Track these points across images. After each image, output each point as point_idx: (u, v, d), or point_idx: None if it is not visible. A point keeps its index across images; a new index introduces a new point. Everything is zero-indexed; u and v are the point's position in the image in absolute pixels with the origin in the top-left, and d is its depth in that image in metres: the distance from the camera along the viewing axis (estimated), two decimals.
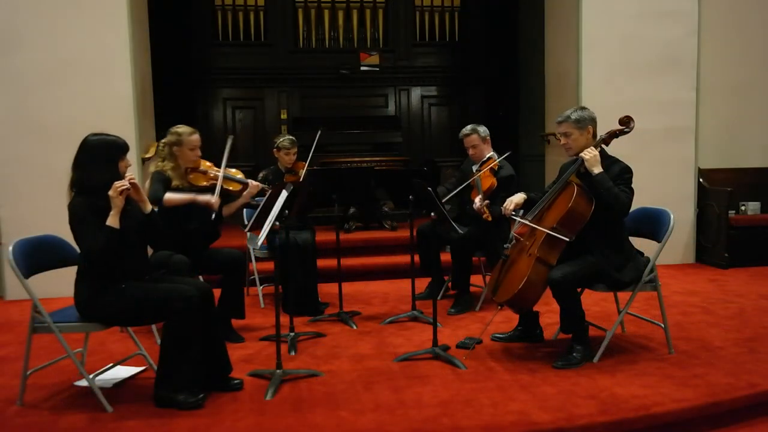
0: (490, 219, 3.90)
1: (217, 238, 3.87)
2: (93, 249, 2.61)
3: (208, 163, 3.76)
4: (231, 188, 3.72)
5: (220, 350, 2.90)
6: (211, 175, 3.68)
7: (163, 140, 3.72)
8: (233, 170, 3.82)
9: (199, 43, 8.39)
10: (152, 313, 2.77)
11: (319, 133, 4.71)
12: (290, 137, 4.59)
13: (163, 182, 3.61)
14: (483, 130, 4.36)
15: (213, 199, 3.55)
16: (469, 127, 4.40)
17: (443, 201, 4.10)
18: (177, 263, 3.39)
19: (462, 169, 4.65)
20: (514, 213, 3.28)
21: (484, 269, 4.83)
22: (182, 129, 3.67)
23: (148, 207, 2.85)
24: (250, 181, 3.79)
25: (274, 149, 4.59)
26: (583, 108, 3.28)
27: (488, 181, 4.15)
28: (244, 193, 3.76)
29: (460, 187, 4.31)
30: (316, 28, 8.66)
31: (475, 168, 4.39)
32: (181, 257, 3.46)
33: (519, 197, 3.32)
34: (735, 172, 6.02)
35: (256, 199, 4.07)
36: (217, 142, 8.40)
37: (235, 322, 3.83)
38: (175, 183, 3.63)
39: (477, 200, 4.02)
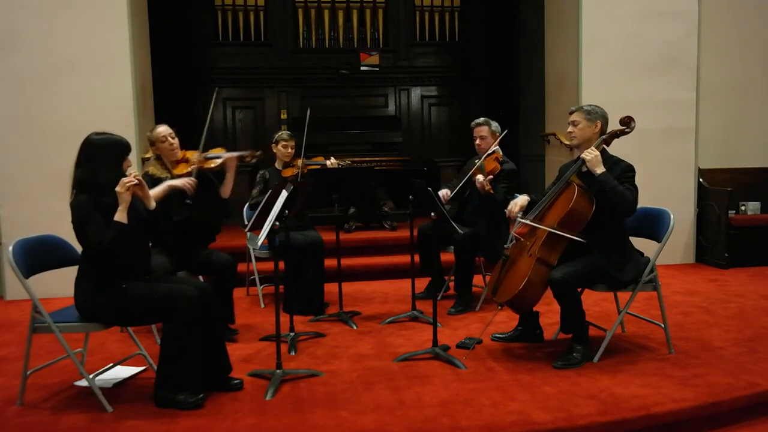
0: (492, 192, 3.99)
1: (212, 241, 3.85)
2: (102, 245, 2.60)
3: (189, 152, 3.74)
4: (212, 166, 3.67)
5: (220, 350, 2.90)
6: (191, 160, 3.67)
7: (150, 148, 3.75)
8: (214, 149, 3.78)
9: (199, 43, 8.39)
10: (153, 314, 2.77)
11: (308, 112, 4.70)
12: (288, 131, 4.67)
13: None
14: (496, 125, 4.40)
15: (183, 181, 3.46)
16: (482, 118, 4.45)
17: (454, 192, 4.25)
18: (155, 266, 3.32)
19: (463, 170, 4.62)
20: (519, 216, 3.27)
21: (484, 269, 4.83)
22: (150, 130, 3.71)
23: (152, 204, 2.85)
24: (227, 154, 3.70)
25: (272, 144, 4.63)
26: (598, 106, 3.29)
27: (491, 165, 4.21)
28: (226, 167, 3.69)
29: (466, 178, 4.30)
30: (316, 28, 8.66)
31: (477, 161, 4.38)
32: (157, 259, 3.38)
33: (523, 200, 3.33)
34: (735, 172, 6.03)
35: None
36: (217, 142, 8.44)
37: (235, 322, 3.84)
38: (162, 175, 3.60)
39: (480, 177, 4.06)
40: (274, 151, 4.62)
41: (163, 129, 3.66)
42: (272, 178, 4.49)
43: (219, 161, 3.69)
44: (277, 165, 4.63)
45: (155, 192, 3.41)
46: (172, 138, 3.66)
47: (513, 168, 4.30)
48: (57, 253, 2.95)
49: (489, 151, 4.34)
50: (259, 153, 3.92)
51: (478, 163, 4.27)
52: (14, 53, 4.81)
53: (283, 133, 4.62)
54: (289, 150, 4.59)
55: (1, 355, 3.55)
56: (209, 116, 3.86)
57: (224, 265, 3.66)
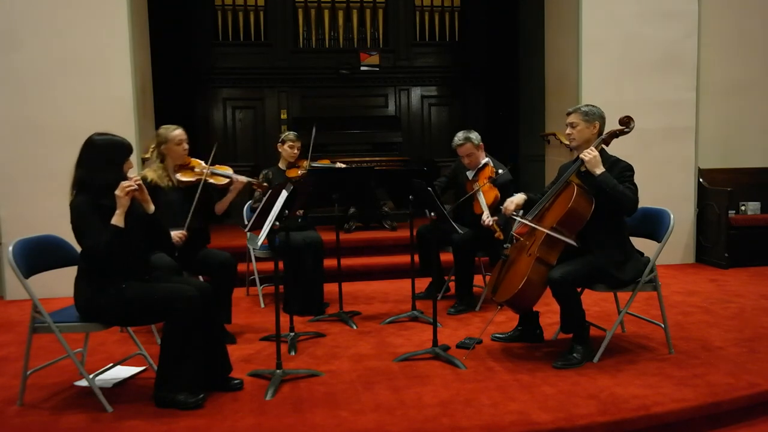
0: (501, 237, 3.83)
1: (208, 242, 3.84)
2: (96, 247, 2.60)
3: (195, 161, 3.76)
4: (217, 182, 3.69)
5: (220, 350, 2.90)
6: (198, 170, 3.67)
7: (152, 146, 3.73)
8: (221, 166, 3.80)
9: (199, 43, 8.39)
10: (153, 313, 2.77)
11: (314, 130, 4.81)
12: (294, 132, 4.68)
13: None
14: (475, 136, 4.24)
15: (177, 237, 3.36)
16: (461, 136, 4.24)
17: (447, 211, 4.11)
18: (161, 264, 3.34)
19: (454, 168, 4.54)
20: (514, 213, 3.28)
21: (484, 269, 4.83)
22: (165, 128, 3.68)
23: (151, 207, 2.85)
24: (236, 176, 3.75)
25: (278, 143, 4.63)
26: (595, 106, 3.28)
27: (491, 195, 4.09)
28: (231, 187, 3.74)
29: (462, 200, 4.24)
30: (316, 28, 8.67)
31: (469, 174, 4.34)
32: (163, 257, 3.39)
33: (519, 198, 3.33)
34: (735, 172, 6.03)
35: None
36: (217, 142, 8.44)
37: (235, 322, 3.83)
38: (162, 183, 3.59)
39: (485, 217, 3.99)
40: (280, 150, 4.62)
41: (181, 132, 3.65)
42: (275, 178, 4.49)
43: (226, 180, 3.70)
44: (281, 165, 4.63)
45: None
46: (186, 144, 3.66)
47: (507, 180, 4.19)
48: (57, 253, 2.95)
49: (480, 165, 4.26)
50: (265, 185, 3.97)
51: (474, 186, 4.16)
52: (14, 53, 4.81)
53: (290, 134, 4.62)
54: (295, 151, 4.59)
55: (1, 355, 3.55)
56: (216, 145, 3.88)
57: (223, 264, 3.64)
